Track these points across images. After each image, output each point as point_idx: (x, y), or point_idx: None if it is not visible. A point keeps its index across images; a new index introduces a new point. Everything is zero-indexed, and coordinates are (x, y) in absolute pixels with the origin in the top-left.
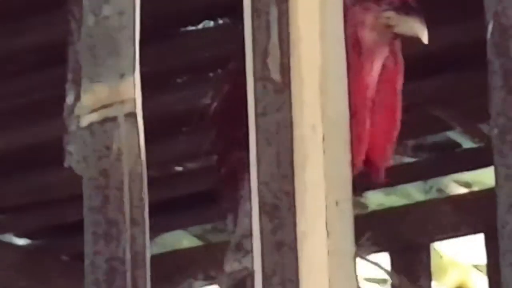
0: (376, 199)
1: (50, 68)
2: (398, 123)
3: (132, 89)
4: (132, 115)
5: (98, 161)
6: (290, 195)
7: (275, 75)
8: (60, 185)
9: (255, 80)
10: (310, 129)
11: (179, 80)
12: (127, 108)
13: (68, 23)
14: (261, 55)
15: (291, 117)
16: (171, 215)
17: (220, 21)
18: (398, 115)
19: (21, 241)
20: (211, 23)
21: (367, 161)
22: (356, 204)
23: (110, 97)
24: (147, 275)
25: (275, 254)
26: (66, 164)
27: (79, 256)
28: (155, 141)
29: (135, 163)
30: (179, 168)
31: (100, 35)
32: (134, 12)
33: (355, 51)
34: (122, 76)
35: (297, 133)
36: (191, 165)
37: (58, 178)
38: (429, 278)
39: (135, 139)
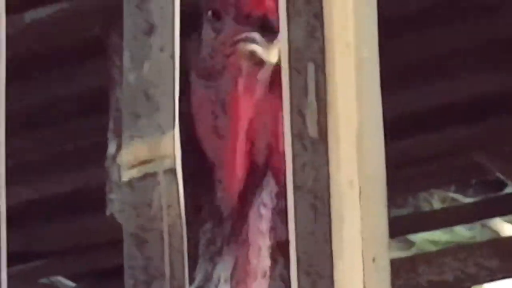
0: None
1: (94, 115)
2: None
3: (172, 145)
4: (171, 171)
5: (138, 217)
6: (328, 252)
7: (313, 131)
8: (102, 230)
9: (293, 137)
10: (347, 185)
11: None
12: (166, 164)
13: (109, 72)
14: (299, 111)
15: (328, 174)
16: None
17: None
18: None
19: (68, 284)
20: None
21: None
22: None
23: (150, 153)
24: None
25: None
26: (108, 212)
27: None
28: None
29: (174, 220)
30: None
31: (140, 91)
32: (174, 68)
33: (236, 78)
34: (162, 132)
35: (334, 189)
36: None
37: (101, 223)
38: None
39: (174, 195)
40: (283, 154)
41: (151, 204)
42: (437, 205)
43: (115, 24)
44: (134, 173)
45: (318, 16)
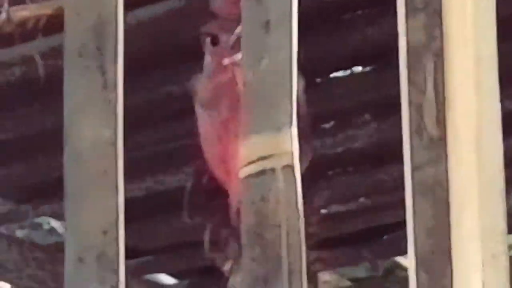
0: None
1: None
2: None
3: (290, 141)
4: (289, 167)
5: (256, 213)
6: (447, 248)
7: (432, 129)
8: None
9: (411, 133)
10: (466, 182)
11: (326, 126)
12: (284, 161)
13: None
14: (418, 108)
15: (447, 170)
16: None
17: (367, 68)
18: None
19: (170, 281)
20: (359, 69)
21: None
22: None
23: (268, 149)
24: None
25: None
26: None
27: None
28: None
29: (293, 214)
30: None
31: (259, 89)
32: (291, 66)
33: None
34: (279, 129)
35: (452, 186)
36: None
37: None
38: None
39: (292, 191)
40: None
41: (269, 200)
42: None
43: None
44: (252, 169)
45: (437, 13)
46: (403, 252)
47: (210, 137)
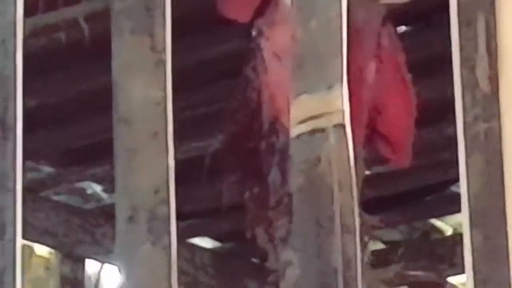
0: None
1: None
2: (412, 99)
3: (340, 100)
4: (340, 126)
5: (308, 171)
6: (501, 204)
7: (484, 85)
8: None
9: (463, 89)
10: None
11: None
12: (335, 119)
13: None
14: (470, 65)
15: (500, 126)
16: None
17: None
18: (409, 91)
19: (213, 244)
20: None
21: (389, 145)
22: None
23: (319, 108)
24: (358, 283)
25: (487, 264)
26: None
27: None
28: None
29: (344, 173)
30: None
31: (308, 47)
32: (341, 24)
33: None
34: (330, 87)
35: (506, 141)
36: None
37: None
38: None
39: (344, 150)
40: None
41: (321, 159)
42: None
43: None
44: (303, 128)
45: None
46: (443, 213)
47: (283, 85)
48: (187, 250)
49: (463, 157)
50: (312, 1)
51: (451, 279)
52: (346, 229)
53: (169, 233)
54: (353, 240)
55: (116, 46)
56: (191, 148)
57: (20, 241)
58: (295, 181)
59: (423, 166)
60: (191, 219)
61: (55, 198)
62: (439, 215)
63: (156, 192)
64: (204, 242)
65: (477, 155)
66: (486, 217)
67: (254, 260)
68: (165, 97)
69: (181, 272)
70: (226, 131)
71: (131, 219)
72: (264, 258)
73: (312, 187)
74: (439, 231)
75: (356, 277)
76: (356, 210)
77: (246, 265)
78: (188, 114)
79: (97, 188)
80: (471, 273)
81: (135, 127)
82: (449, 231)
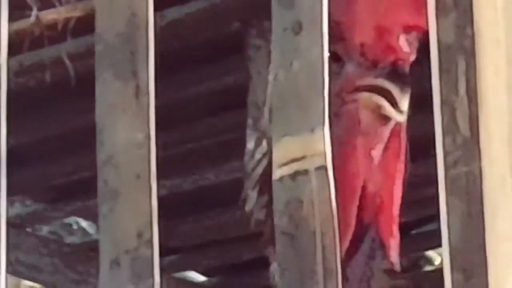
0: None
1: (228, 112)
2: (396, 204)
3: (322, 142)
4: (322, 168)
5: (290, 214)
6: (482, 247)
7: (464, 129)
8: (236, 224)
9: (444, 134)
10: (499, 181)
11: None
12: (317, 162)
13: (247, 69)
14: (450, 108)
15: (480, 169)
16: None
17: None
18: (396, 196)
19: (200, 278)
20: None
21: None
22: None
23: (301, 151)
24: None
25: None
26: (247, 208)
27: None
28: None
29: (326, 216)
30: None
31: (290, 90)
32: (323, 67)
33: (354, 130)
34: (312, 130)
35: (486, 185)
36: None
37: (234, 217)
38: None
39: (326, 193)
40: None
41: (303, 202)
42: None
43: (254, 21)
44: (285, 171)
45: (468, 12)
46: (429, 247)
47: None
48: (174, 285)
49: (443, 200)
50: (292, 44)
51: None
52: (329, 273)
53: (152, 274)
54: (336, 283)
55: (99, 88)
56: (176, 184)
57: (4, 276)
58: (278, 223)
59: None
60: (178, 253)
61: (43, 233)
62: (426, 248)
63: (140, 235)
64: (192, 276)
65: (457, 197)
66: (467, 257)
67: None
68: (148, 139)
69: None
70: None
71: (114, 262)
72: None
73: (294, 230)
74: (429, 262)
75: None
76: (339, 252)
77: None
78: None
79: (85, 224)
80: None
81: (118, 169)
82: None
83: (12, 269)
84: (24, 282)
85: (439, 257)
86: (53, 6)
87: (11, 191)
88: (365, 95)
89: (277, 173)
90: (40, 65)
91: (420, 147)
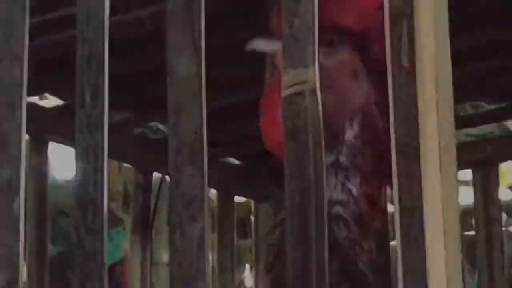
0: None
1: None
2: None
3: (313, 74)
4: (313, 91)
5: (292, 123)
6: None
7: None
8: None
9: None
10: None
11: None
12: (310, 86)
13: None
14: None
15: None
16: None
17: None
18: None
19: (236, 162)
20: None
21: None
22: None
23: (300, 78)
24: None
25: None
26: None
27: None
28: None
29: (318, 127)
30: None
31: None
32: (314, 18)
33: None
34: (307, 66)
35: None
36: None
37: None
38: None
39: (316, 108)
40: None
41: (300, 114)
42: None
43: None
44: (290, 91)
45: None
46: None
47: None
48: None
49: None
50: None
51: None
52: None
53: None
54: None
55: None
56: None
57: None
58: (285, 126)
59: None
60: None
61: None
62: None
63: (195, 132)
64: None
65: None
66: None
67: None
68: None
69: None
70: None
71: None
72: None
73: (296, 132)
74: None
75: None
76: (324, 160)
77: None
78: None
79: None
80: None
81: None
82: None
83: None
84: None
85: None
86: None
87: None
88: None
89: (284, 92)
90: None
91: None
